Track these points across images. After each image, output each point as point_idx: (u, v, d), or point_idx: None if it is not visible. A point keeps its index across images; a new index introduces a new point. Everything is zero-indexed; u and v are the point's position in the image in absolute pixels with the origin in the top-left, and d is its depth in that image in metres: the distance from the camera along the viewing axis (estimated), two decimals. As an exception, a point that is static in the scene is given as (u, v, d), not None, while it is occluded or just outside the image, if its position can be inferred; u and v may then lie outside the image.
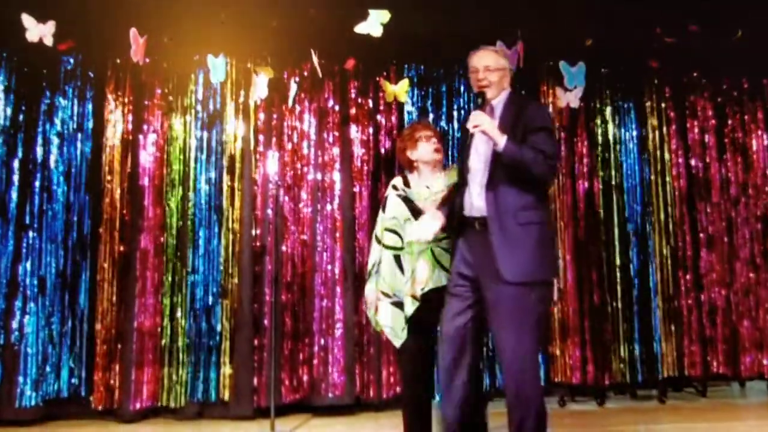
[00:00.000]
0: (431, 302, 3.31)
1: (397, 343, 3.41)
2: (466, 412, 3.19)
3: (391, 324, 3.40)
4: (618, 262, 5.23)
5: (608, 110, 5.41)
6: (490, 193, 3.08)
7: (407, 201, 3.48)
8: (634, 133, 5.44)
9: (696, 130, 5.51)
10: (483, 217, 3.10)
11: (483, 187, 3.11)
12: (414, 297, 3.34)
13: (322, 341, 4.84)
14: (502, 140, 3.02)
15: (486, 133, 3.06)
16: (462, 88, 5.26)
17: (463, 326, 3.16)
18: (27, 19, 4.53)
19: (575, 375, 5.12)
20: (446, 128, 5.20)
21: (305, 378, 4.80)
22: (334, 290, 4.88)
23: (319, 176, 5.02)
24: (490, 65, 3.24)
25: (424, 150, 3.52)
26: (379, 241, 3.52)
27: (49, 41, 4.55)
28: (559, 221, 5.21)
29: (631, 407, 5.03)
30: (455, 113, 5.23)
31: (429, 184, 3.49)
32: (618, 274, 5.22)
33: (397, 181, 3.60)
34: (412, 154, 3.55)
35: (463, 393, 3.17)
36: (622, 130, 5.42)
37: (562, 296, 5.16)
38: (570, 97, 5.27)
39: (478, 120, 3.05)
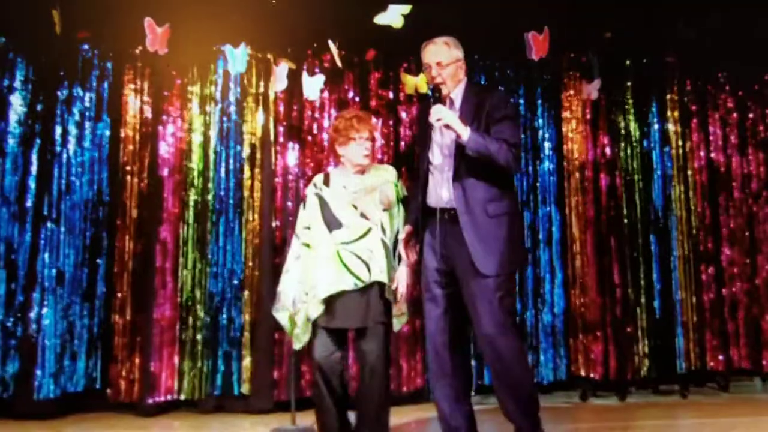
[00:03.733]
0: (334, 305, 3.23)
1: (298, 345, 3.38)
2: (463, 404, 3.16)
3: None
4: (640, 256, 5.18)
5: (630, 103, 5.36)
6: (458, 186, 3.07)
7: (321, 201, 3.39)
8: (656, 127, 5.38)
9: (717, 123, 5.46)
10: (452, 208, 3.09)
11: (449, 181, 3.10)
12: (314, 298, 3.26)
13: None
14: (465, 132, 2.99)
15: (449, 127, 3.01)
16: (483, 80, 5.21)
17: (445, 324, 3.14)
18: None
19: (597, 370, 5.07)
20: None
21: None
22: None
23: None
24: (442, 60, 3.18)
25: (354, 151, 3.39)
26: (297, 237, 3.43)
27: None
28: (581, 215, 5.18)
29: (653, 402, 4.97)
30: (476, 105, 5.16)
31: (346, 184, 3.39)
32: (640, 269, 5.17)
33: (318, 179, 3.51)
34: (340, 149, 3.43)
35: (458, 383, 3.14)
36: (644, 124, 5.36)
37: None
38: (589, 89, 5.24)
39: (440, 114, 3.01)
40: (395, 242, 3.34)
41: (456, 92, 3.20)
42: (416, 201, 3.25)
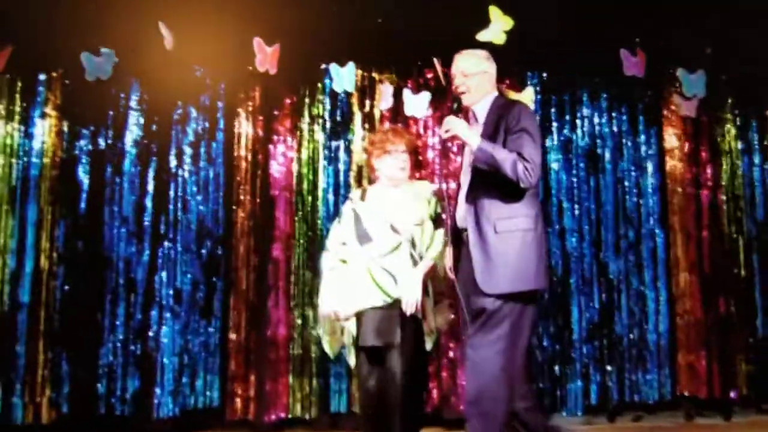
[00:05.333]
0: (365, 323, 3.17)
1: (351, 360, 3.34)
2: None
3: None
4: (742, 272, 5.13)
5: (729, 119, 5.31)
6: (470, 203, 2.97)
7: (355, 215, 3.33)
8: (757, 143, 5.33)
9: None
10: (465, 228, 3.01)
11: (463, 199, 3.02)
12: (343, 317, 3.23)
13: (450, 353, 4.79)
14: (475, 141, 2.89)
15: (458, 138, 2.94)
16: (585, 96, 5.18)
17: None
18: (164, 28, 4.51)
19: (702, 389, 5.03)
20: (570, 137, 5.13)
21: (435, 390, 4.74)
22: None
23: (444, 185, 4.95)
24: (466, 70, 3.08)
25: (390, 164, 3.33)
26: (327, 250, 3.40)
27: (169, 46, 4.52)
28: (684, 232, 5.12)
29: (758, 421, 4.90)
30: (578, 122, 5.15)
31: (380, 198, 3.34)
32: (742, 285, 5.11)
33: (355, 193, 3.46)
34: (376, 163, 3.37)
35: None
36: (745, 140, 5.31)
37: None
38: (689, 106, 5.19)
39: (449, 125, 2.93)
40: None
41: (481, 105, 3.09)
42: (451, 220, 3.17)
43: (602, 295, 4.98)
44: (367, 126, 4.90)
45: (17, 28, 4.46)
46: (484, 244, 2.90)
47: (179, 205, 4.64)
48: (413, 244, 3.26)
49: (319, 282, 3.45)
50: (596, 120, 5.16)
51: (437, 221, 3.35)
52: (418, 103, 4.94)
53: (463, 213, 3.01)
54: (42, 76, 4.59)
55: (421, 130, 5.00)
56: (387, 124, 4.63)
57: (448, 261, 3.17)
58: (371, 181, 4.72)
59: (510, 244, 2.90)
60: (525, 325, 2.92)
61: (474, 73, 3.08)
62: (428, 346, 3.29)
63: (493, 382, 2.84)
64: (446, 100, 5.02)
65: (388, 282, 3.17)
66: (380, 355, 3.17)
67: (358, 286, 3.21)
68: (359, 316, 3.21)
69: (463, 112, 3.10)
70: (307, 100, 4.88)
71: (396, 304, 3.16)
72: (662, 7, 4.89)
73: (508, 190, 2.92)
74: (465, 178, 3.05)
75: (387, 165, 3.33)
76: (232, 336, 4.60)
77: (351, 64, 4.84)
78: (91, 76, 4.49)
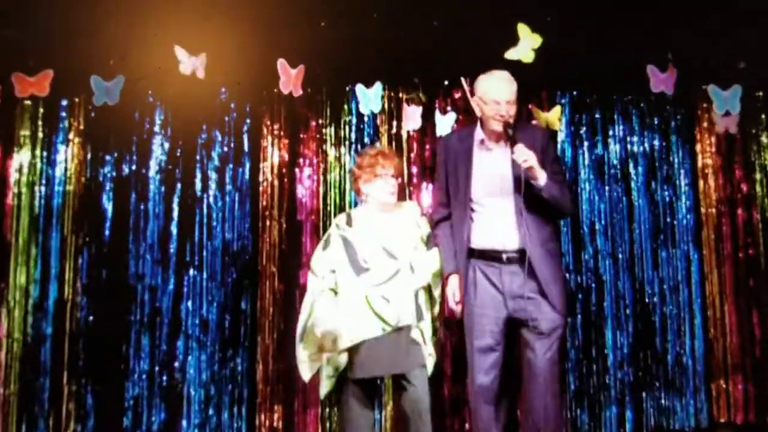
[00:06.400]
0: (360, 354, 3.09)
1: (323, 392, 3.26)
2: None
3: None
4: (779, 294, 5.01)
5: (764, 136, 5.19)
6: (522, 226, 3.01)
7: (345, 242, 3.23)
8: (793, 161, 5.22)
9: None
10: (514, 250, 3.04)
11: (512, 219, 3.04)
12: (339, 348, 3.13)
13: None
14: (543, 176, 2.99)
15: (532, 169, 2.96)
16: (616, 116, 5.07)
17: (501, 375, 3.10)
18: (179, 52, 4.44)
19: (738, 414, 4.90)
20: (601, 155, 5.00)
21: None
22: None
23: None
24: (512, 99, 3.13)
25: (380, 189, 3.27)
26: (315, 275, 3.28)
27: (201, 74, 4.46)
28: (719, 253, 5.00)
29: (796, 446, 4.81)
30: (611, 141, 5.03)
31: (371, 224, 3.25)
32: (779, 308, 5.00)
33: (340, 219, 3.36)
34: (365, 187, 3.29)
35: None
36: (780, 157, 5.20)
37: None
38: (728, 123, 5.06)
39: (527, 155, 2.96)
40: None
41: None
42: (452, 241, 3.17)
43: (636, 318, 4.85)
44: (394, 147, 4.79)
45: (38, 51, 4.36)
46: (545, 266, 3.01)
47: (205, 231, 4.54)
48: (411, 269, 3.19)
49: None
50: (628, 139, 5.04)
51: (428, 242, 3.31)
52: (444, 124, 4.84)
53: (508, 234, 3.05)
54: (64, 102, 4.50)
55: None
56: (378, 145, 4.45)
57: (454, 287, 3.14)
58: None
59: (559, 267, 3.15)
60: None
61: (515, 100, 3.17)
62: (429, 369, 3.24)
63: (561, 399, 3.13)
64: (474, 121, 4.93)
65: (387, 310, 3.09)
66: (374, 390, 3.24)
67: (354, 317, 3.10)
68: (353, 347, 3.12)
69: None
70: (332, 122, 4.77)
71: (398, 332, 3.11)
72: (692, 23, 4.76)
73: (549, 215, 3.11)
74: (498, 199, 3.08)
75: (377, 189, 3.27)
76: (260, 366, 4.49)
77: (378, 85, 4.73)
78: (99, 100, 4.37)
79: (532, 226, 3.01)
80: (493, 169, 3.12)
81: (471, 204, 3.12)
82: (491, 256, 3.08)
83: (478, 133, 3.24)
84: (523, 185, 2.99)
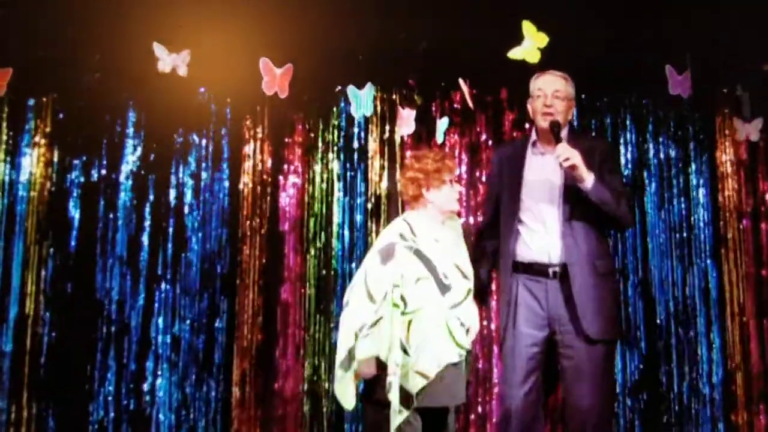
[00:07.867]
0: (436, 380, 2.74)
1: (396, 422, 2.70)
2: None
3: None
4: (805, 316, 4.63)
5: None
6: (569, 238, 2.88)
7: (420, 256, 2.82)
8: (820, 169, 4.84)
9: None
10: (559, 263, 2.90)
11: (558, 230, 2.91)
12: (422, 374, 2.71)
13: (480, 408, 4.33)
14: (590, 178, 2.83)
15: (575, 169, 2.81)
16: (628, 120, 4.72)
17: (537, 397, 2.99)
18: (158, 48, 4.16)
19: (761, 447, 4.53)
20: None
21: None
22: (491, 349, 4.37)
23: (471, 219, 4.52)
24: (559, 91, 3.01)
25: (448, 196, 2.93)
26: (372, 299, 2.76)
27: (183, 71, 4.17)
28: (740, 270, 4.64)
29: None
30: (621, 147, 4.68)
31: (437, 237, 2.90)
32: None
33: (404, 228, 2.90)
34: (429, 194, 2.91)
35: None
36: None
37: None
38: (749, 129, 4.73)
39: (570, 153, 2.81)
40: None
41: (563, 133, 2.98)
42: (490, 254, 3.09)
43: (648, 341, 4.51)
44: (386, 153, 4.49)
45: (5, 48, 4.09)
46: (586, 285, 2.86)
47: (179, 242, 4.24)
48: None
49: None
50: (641, 145, 4.71)
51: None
52: (438, 129, 4.53)
53: (551, 246, 2.93)
54: (31, 101, 4.21)
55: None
56: (434, 148, 4.22)
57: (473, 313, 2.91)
58: (388, 214, 4.34)
59: (609, 287, 2.96)
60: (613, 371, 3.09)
61: (565, 97, 3.05)
62: None
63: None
64: (474, 125, 4.63)
65: (462, 334, 2.83)
66: (440, 420, 2.86)
67: (440, 340, 2.78)
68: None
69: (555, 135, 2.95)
70: (320, 126, 4.47)
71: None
72: (711, 24, 4.43)
73: (602, 226, 2.95)
74: (545, 208, 2.95)
75: (445, 196, 2.93)
76: (236, 389, 4.17)
77: (369, 86, 4.42)
78: None
79: (580, 238, 2.88)
80: (542, 174, 3.00)
81: (519, 213, 2.99)
82: (536, 270, 2.95)
83: (532, 135, 3.14)
84: (562, 187, 2.89)
